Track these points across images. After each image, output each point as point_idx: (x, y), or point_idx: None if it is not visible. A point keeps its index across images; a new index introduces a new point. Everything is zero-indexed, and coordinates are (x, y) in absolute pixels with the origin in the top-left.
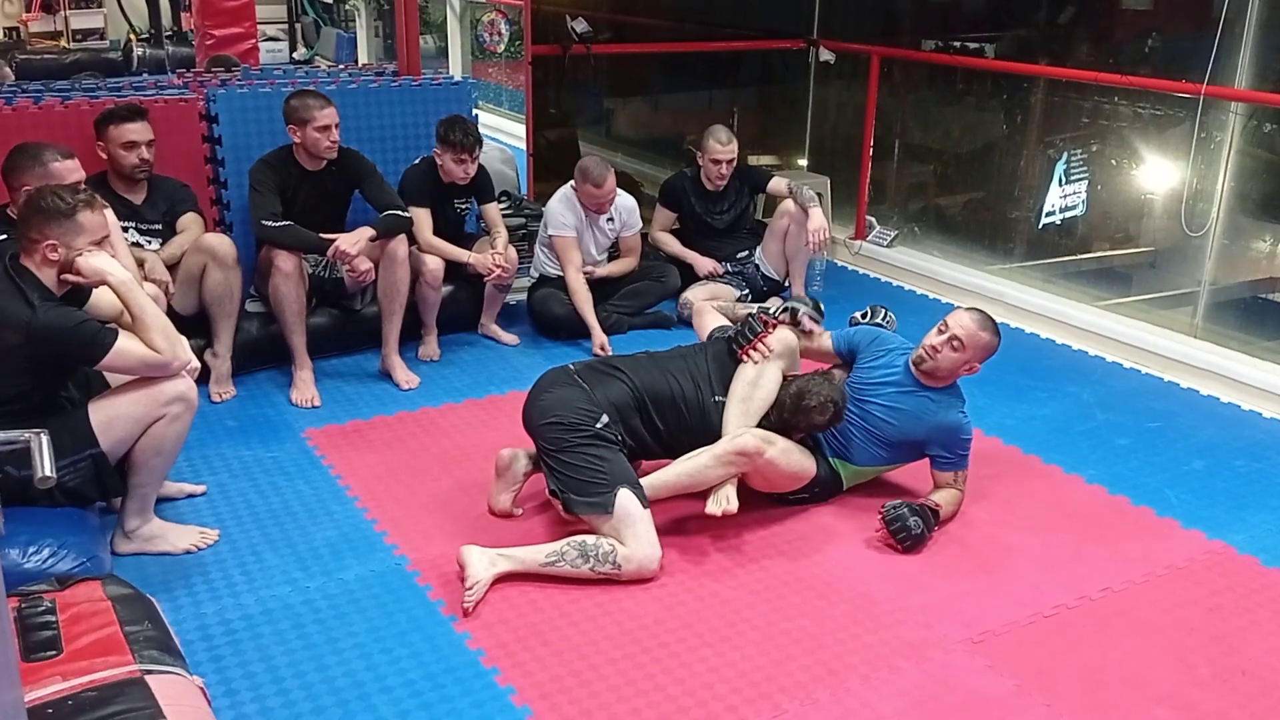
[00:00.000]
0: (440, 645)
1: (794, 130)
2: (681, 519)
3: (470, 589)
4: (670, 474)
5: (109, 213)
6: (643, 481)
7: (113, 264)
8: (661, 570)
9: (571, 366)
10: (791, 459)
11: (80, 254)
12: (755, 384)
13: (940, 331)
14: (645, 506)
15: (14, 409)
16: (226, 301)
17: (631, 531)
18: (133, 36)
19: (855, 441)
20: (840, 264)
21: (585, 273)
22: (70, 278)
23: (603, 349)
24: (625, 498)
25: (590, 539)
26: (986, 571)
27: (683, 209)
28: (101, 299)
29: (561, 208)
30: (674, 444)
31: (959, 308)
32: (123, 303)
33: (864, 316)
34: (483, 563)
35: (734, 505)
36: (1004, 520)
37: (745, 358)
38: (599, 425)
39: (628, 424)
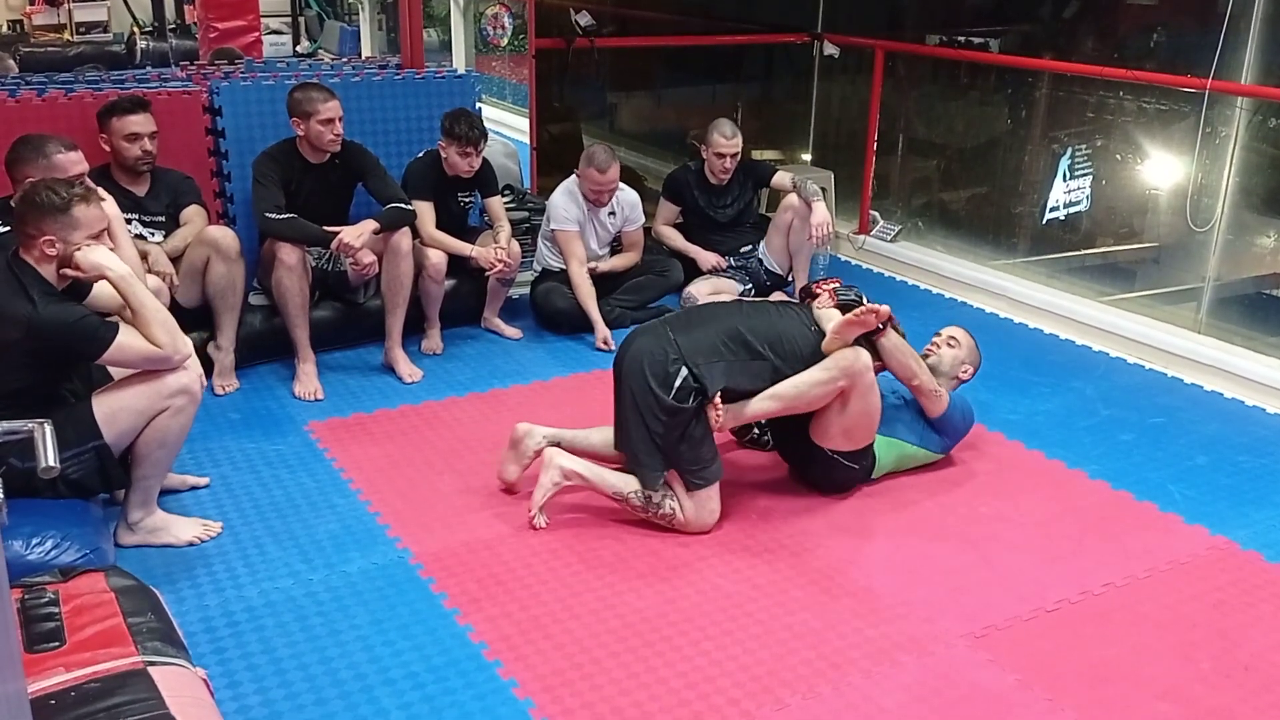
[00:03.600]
0: (443, 638)
1: (798, 125)
2: None
3: (534, 510)
4: (780, 392)
5: (111, 205)
6: (756, 401)
7: (111, 258)
8: (716, 526)
9: (668, 315)
10: (876, 389)
11: (78, 248)
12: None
13: (934, 340)
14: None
15: (16, 402)
16: (229, 294)
17: (690, 502)
18: (136, 29)
19: (904, 414)
20: (844, 259)
21: (589, 268)
22: (69, 272)
23: (605, 343)
24: (674, 479)
25: (656, 496)
26: (989, 566)
27: (686, 203)
28: (101, 293)
29: (564, 201)
30: (780, 376)
31: (959, 301)
32: (122, 297)
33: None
34: (552, 477)
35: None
36: (1006, 515)
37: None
38: (677, 384)
39: (720, 370)
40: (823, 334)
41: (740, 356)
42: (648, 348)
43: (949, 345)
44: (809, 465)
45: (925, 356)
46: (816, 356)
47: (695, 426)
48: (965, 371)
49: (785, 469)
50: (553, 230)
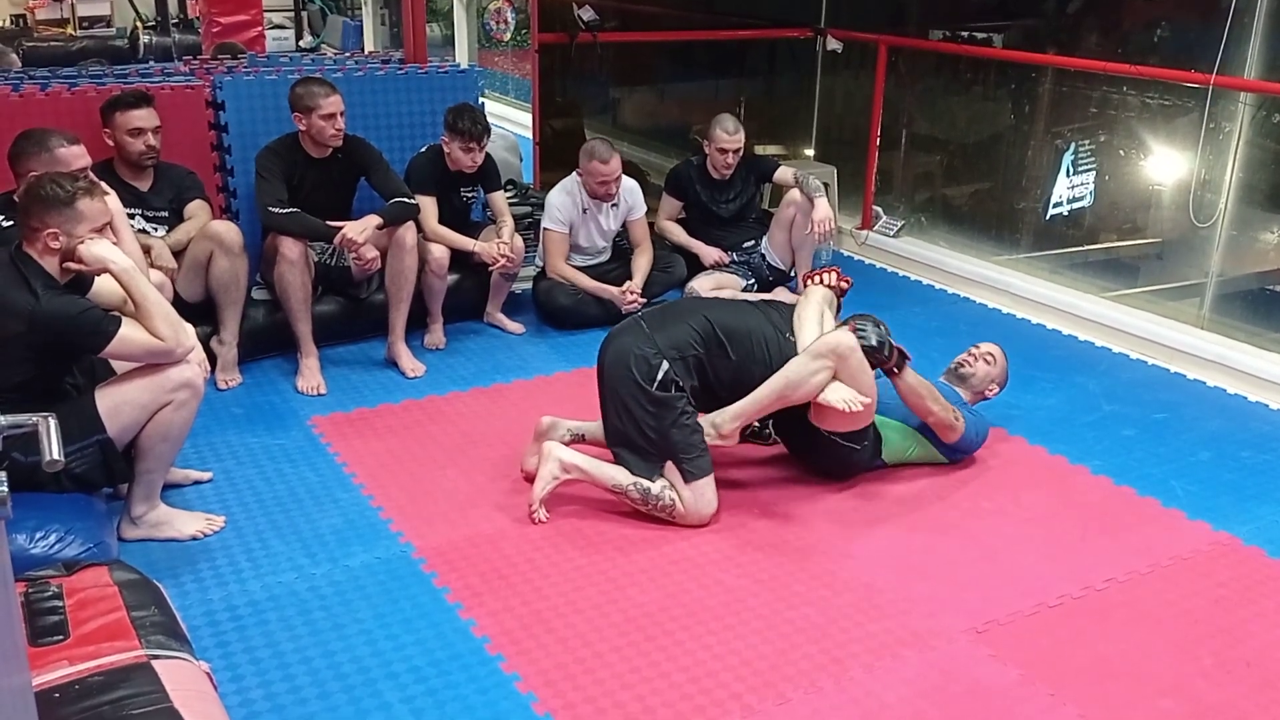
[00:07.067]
0: (445, 632)
1: (801, 120)
2: None
3: (534, 504)
4: (768, 385)
5: (114, 199)
6: (744, 401)
7: (114, 251)
8: (713, 520)
9: (643, 312)
10: (867, 369)
11: (82, 242)
12: (823, 313)
13: (973, 350)
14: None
15: (19, 396)
16: (233, 289)
17: (689, 492)
18: (139, 24)
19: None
20: (846, 254)
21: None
22: (72, 266)
23: (630, 291)
24: (670, 471)
25: (654, 489)
26: (991, 561)
27: (689, 198)
28: (104, 286)
29: (560, 201)
30: (743, 376)
31: (961, 296)
32: (125, 290)
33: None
34: (552, 470)
35: (862, 399)
36: (1009, 510)
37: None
38: (660, 377)
39: (692, 364)
40: (793, 342)
41: (710, 352)
42: (629, 344)
43: (985, 361)
44: (814, 452)
45: (960, 367)
46: (781, 362)
47: (684, 415)
48: (992, 390)
49: (787, 463)
50: (543, 228)
